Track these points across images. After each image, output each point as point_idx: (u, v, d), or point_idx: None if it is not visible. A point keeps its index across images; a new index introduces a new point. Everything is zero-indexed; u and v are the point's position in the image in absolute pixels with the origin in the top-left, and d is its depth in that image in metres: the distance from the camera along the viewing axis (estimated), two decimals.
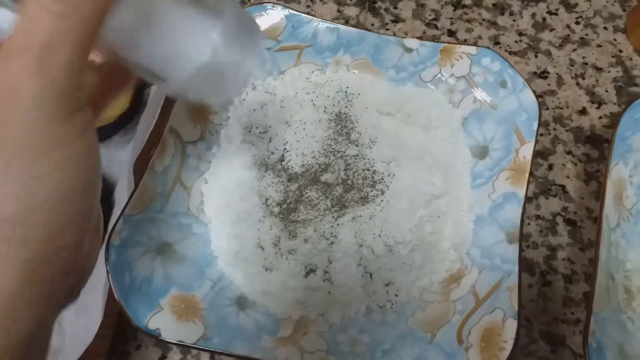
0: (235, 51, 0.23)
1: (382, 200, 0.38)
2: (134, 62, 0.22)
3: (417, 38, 0.42)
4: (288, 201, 0.38)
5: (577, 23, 0.49)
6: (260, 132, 0.40)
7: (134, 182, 0.38)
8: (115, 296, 0.31)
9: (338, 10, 0.49)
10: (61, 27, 0.16)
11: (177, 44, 0.22)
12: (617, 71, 0.46)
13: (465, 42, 0.47)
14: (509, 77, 0.39)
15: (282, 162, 0.39)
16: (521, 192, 0.36)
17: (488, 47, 0.40)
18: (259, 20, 0.42)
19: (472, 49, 0.41)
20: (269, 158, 0.39)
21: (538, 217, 0.41)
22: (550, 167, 0.42)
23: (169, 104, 0.41)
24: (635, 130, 0.39)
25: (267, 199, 0.38)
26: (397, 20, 0.48)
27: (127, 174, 0.39)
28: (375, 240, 0.36)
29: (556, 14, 0.49)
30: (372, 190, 0.38)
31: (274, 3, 0.42)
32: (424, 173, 0.39)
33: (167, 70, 0.23)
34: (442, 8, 0.49)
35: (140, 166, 0.38)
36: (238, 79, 0.25)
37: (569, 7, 0.49)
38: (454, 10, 0.49)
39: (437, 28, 0.48)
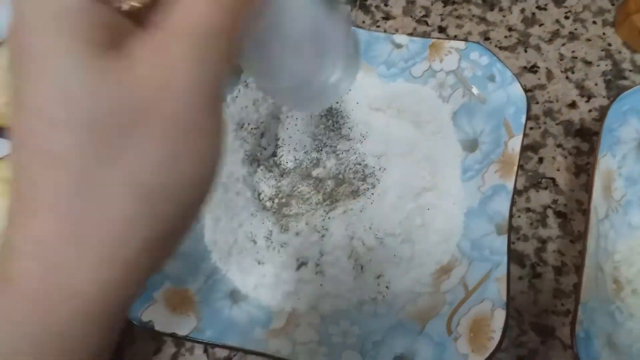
0: (345, 74, 0.25)
1: (372, 194, 0.38)
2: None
3: (407, 34, 0.42)
4: (280, 195, 0.38)
5: (567, 18, 0.49)
6: (252, 129, 0.40)
7: None
8: None
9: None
10: (219, 17, 0.16)
11: (302, 62, 0.23)
12: (607, 65, 0.47)
13: (455, 37, 0.48)
14: (497, 71, 0.40)
15: (275, 158, 0.40)
16: (510, 185, 0.37)
17: (476, 42, 0.40)
18: None
19: (460, 44, 0.41)
20: (261, 154, 0.40)
21: (528, 209, 0.41)
22: (541, 160, 0.43)
23: None
24: (623, 122, 0.39)
25: (259, 194, 0.38)
26: (387, 17, 0.49)
27: None
28: (365, 232, 0.36)
29: (545, 9, 0.49)
30: (362, 184, 0.39)
31: None
32: (413, 167, 0.39)
33: (279, 79, 0.24)
34: (432, 5, 0.49)
35: None
36: (337, 94, 0.27)
37: (558, 2, 0.50)
38: (444, 6, 0.49)
39: (427, 24, 0.48)
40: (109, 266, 0.16)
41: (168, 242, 0.18)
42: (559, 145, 0.43)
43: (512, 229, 0.39)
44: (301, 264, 0.36)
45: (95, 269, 0.16)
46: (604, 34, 0.48)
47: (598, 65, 0.47)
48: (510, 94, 0.39)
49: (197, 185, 0.18)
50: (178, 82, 0.16)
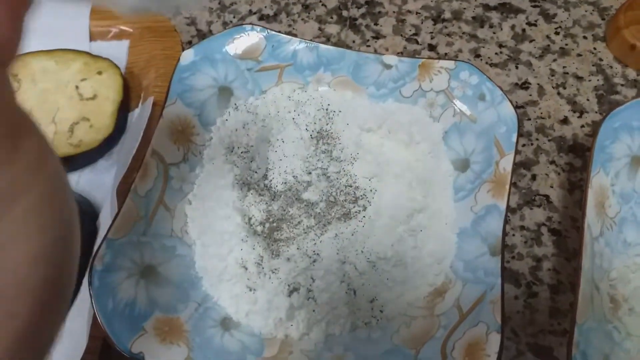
0: None
1: (364, 217, 0.38)
2: None
3: (398, 54, 0.42)
4: (271, 220, 0.38)
5: (557, 33, 0.49)
6: (242, 152, 0.40)
7: (117, 206, 0.39)
8: (99, 321, 0.32)
9: (319, 29, 0.49)
10: None
11: None
12: (598, 80, 0.46)
13: (445, 55, 0.48)
14: (487, 90, 0.40)
15: (265, 181, 0.40)
16: (502, 205, 0.36)
17: (466, 61, 0.40)
18: (239, 42, 0.42)
19: (450, 64, 0.41)
20: (251, 177, 0.39)
21: (523, 227, 0.41)
22: (534, 177, 0.43)
23: (151, 127, 0.41)
24: (615, 139, 0.39)
25: (250, 219, 0.38)
26: (377, 36, 0.49)
27: (111, 198, 0.40)
28: (357, 256, 0.36)
29: (535, 25, 0.49)
30: (354, 207, 0.38)
31: (252, 24, 0.42)
32: (405, 188, 0.39)
33: None
34: (422, 23, 0.49)
35: (124, 190, 0.39)
36: None
37: (548, 18, 0.50)
38: (434, 24, 0.49)
39: (417, 43, 0.48)
40: None
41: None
42: (552, 162, 0.43)
43: (506, 248, 0.39)
44: (293, 290, 0.36)
45: None
46: (594, 48, 0.48)
47: (589, 81, 0.46)
48: (500, 112, 0.39)
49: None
50: None
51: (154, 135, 0.39)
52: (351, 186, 0.39)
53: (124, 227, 0.36)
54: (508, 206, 0.36)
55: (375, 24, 0.49)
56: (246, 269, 0.36)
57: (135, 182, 0.37)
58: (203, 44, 0.42)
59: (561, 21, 0.50)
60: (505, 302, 0.33)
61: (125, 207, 0.36)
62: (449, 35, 0.49)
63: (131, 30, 0.47)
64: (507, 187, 0.37)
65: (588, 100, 0.46)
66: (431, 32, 0.49)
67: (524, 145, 0.44)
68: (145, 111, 0.43)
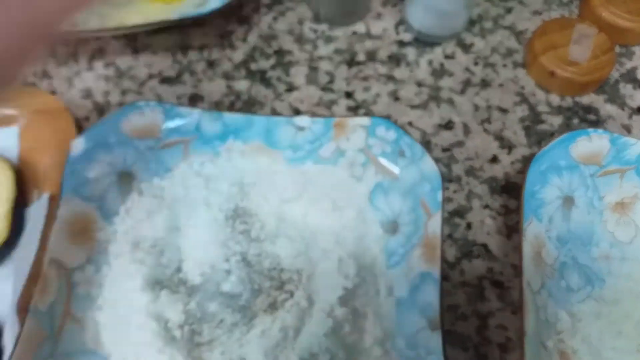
0: None
1: (292, 305, 0.34)
2: None
3: (313, 105, 0.39)
4: (190, 321, 0.34)
5: (476, 64, 0.47)
6: (149, 247, 0.36)
7: (18, 325, 0.34)
8: None
9: (227, 86, 0.46)
10: None
11: None
12: (523, 110, 0.45)
13: (364, 102, 0.45)
14: (406, 146, 0.37)
15: (179, 275, 0.36)
16: (436, 272, 0.34)
17: (382, 117, 0.38)
18: (134, 121, 0.38)
19: (365, 120, 0.38)
20: (162, 274, 0.36)
21: (464, 283, 0.38)
22: (469, 225, 0.40)
23: (49, 226, 0.37)
24: (544, 182, 0.37)
25: (166, 322, 0.34)
26: (290, 88, 0.46)
27: (11, 315, 0.35)
28: (288, 356, 0.33)
29: (453, 58, 0.47)
30: (280, 294, 0.35)
31: (146, 100, 0.38)
32: (334, 264, 0.36)
33: None
34: (335, 69, 0.46)
35: (25, 305, 0.35)
36: None
37: (465, 48, 0.48)
38: (349, 68, 0.46)
39: (333, 91, 0.45)
40: None
41: None
42: (486, 206, 0.41)
43: (449, 309, 0.37)
44: None
45: None
46: (515, 76, 0.46)
47: (514, 112, 0.45)
48: (423, 169, 0.36)
49: None
50: None
51: (50, 241, 0.35)
52: (275, 269, 0.36)
53: (28, 352, 0.32)
54: (443, 269, 0.34)
55: (287, 75, 0.46)
56: None
57: (35, 297, 0.33)
58: (94, 128, 0.38)
59: (479, 50, 0.48)
60: None
61: (25, 329, 0.32)
62: (364, 79, 0.46)
63: (18, 114, 0.43)
64: (438, 252, 0.34)
65: (515, 133, 0.44)
66: (346, 78, 0.46)
67: (455, 191, 0.41)
68: (40, 209, 0.39)
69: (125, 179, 0.38)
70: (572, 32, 0.45)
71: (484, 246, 0.40)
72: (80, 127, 0.43)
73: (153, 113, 0.38)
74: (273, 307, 0.35)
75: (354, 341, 0.34)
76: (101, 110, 0.45)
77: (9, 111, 0.43)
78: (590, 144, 0.38)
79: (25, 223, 0.40)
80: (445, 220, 0.40)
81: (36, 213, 0.39)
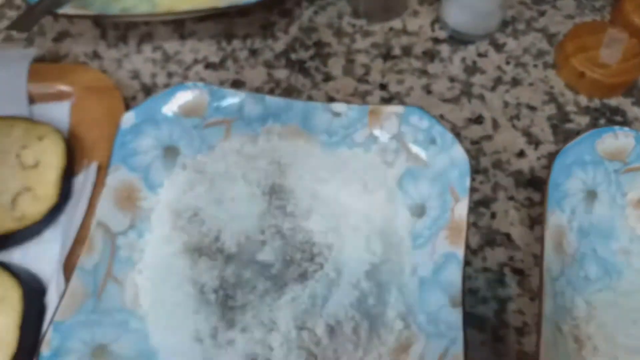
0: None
1: (321, 276, 0.36)
2: None
3: (348, 95, 0.41)
4: (224, 286, 0.37)
5: (508, 63, 0.49)
6: (190, 216, 0.39)
7: (64, 283, 0.37)
8: None
9: (268, 74, 0.48)
10: None
11: None
12: (551, 109, 0.46)
13: (397, 94, 0.47)
14: (438, 134, 0.39)
15: (217, 244, 0.38)
16: (460, 253, 0.35)
17: (416, 106, 0.40)
18: (181, 100, 0.41)
19: (399, 109, 0.40)
20: (202, 242, 0.38)
21: (485, 269, 0.40)
22: (493, 215, 0.42)
23: (97, 193, 0.40)
24: (568, 175, 0.38)
25: (202, 286, 0.37)
26: (327, 78, 0.48)
27: (57, 274, 0.38)
28: (316, 321, 0.35)
29: (486, 56, 0.49)
30: (311, 265, 0.37)
31: (194, 82, 0.41)
32: (363, 241, 0.38)
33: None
34: (371, 62, 0.49)
35: (71, 264, 0.37)
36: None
37: (498, 48, 0.49)
38: (384, 62, 0.49)
39: (368, 83, 0.48)
40: None
41: None
42: (511, 198, 0.43)
43: (469, 292, 0.39)
44: None
45: None
46: (545, 76, 0.48)
47: (543, 110, 0.46)
48: (452, 156, 0.38)
49: None
50: None
51: (98, 205, 0.38)
52: (307, 242, 0.38)
53: (71, 307, 0.34)
54: (466, 254, 0.35)
55: (325, 66, 0.49)
56: (201, 341, 0.35)
57: (81, 257, 0.36)
58: (144, 105, 0.40)
59: (511, 50, 0.49)
60: (471, 351, 0.32)
61: (71, 286, 0.35)
62: (399, 72, 0.48)
63: (71, 90, 0.46)
64: (464, 234, 0.36)
65: (542, 130, 0.45)
66: (382, 70, 0.48)
67: (481, 182, 0.43)
68: (89, 177, 0.41)
69: (170, 154, 0.41)
70: (603, 35, 0.46)
71: (507, 235, 0.41)
72: (127, 105, 0.46)
73: (200, 94, 0.41)
74: (303, 277, 0.37)
75: (377, 313, 0.36)
76: (148, 90, 0.48)
77: (62, 87, 0.46)
78: (616, 141, 0.39)
79: (72, 191, 0.43)
80: (471, 210, 0.41)
81: (84, 181, 0.42)
